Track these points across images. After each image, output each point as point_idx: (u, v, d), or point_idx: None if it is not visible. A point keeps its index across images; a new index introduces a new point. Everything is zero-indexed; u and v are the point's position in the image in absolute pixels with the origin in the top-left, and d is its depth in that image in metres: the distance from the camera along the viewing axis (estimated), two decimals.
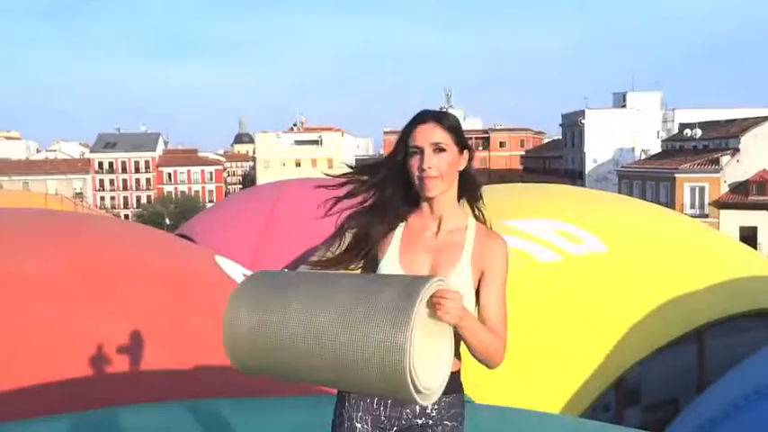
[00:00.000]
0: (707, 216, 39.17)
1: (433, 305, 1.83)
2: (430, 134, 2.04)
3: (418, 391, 1.80)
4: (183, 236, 14.44)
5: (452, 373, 2.04)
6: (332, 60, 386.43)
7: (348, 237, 2.10)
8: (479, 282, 2.06)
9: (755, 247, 30.33)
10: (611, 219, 14.04)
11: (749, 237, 35.65)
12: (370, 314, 1.78)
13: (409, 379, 1.74)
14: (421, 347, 1.80)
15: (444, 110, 2.18)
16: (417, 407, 2.02)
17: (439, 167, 2.03)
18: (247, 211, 20.34)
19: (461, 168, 2.11)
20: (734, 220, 39.42)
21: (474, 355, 2.00)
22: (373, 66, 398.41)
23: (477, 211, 2.16)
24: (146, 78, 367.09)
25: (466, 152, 2.12)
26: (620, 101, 65.52)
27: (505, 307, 2.06)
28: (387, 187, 2.10)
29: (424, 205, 2.10)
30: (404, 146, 2.08)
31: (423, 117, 2.08)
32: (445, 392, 2.01)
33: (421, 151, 2.04)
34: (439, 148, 2.04)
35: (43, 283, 5.62)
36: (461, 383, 2.11)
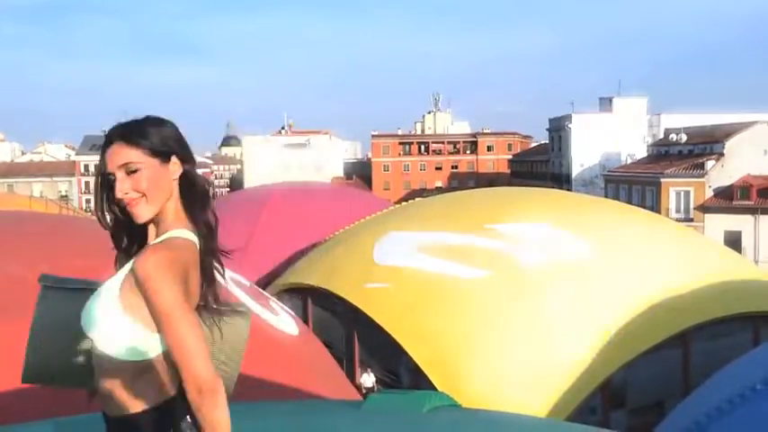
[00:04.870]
0: (692, 220, 39.44)
1: None
2: (117, 157, 1.82)
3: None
4: None
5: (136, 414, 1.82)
6: (320, 63, 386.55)
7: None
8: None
9: (740, 252, 30.59)
10: (597, 223, 14.11)
11: (734, 241, 35.90)
12: None
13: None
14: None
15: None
16: None
17: (137, 189, 1.81)
18: (235, 215, 20.23)
19: (177, 176, 1.87)
20: (718, 224, 39.71)
21: None
22: (362, 69, 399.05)
23: (197, 220, 1.88)
24: (132, 80, 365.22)
25: (175, 158, 1.86)
26: (607, 105, 65.92)
27: (186, 336, 1.70)
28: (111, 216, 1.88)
29: (150, 226, 1.86)
30: (101, 173, 1.86)
31: (109, 138, 1.85)
32: None
33: (115, 177, 1.82)
34: (130, 170, 1.82)
35: (26, 286, 5.56)
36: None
